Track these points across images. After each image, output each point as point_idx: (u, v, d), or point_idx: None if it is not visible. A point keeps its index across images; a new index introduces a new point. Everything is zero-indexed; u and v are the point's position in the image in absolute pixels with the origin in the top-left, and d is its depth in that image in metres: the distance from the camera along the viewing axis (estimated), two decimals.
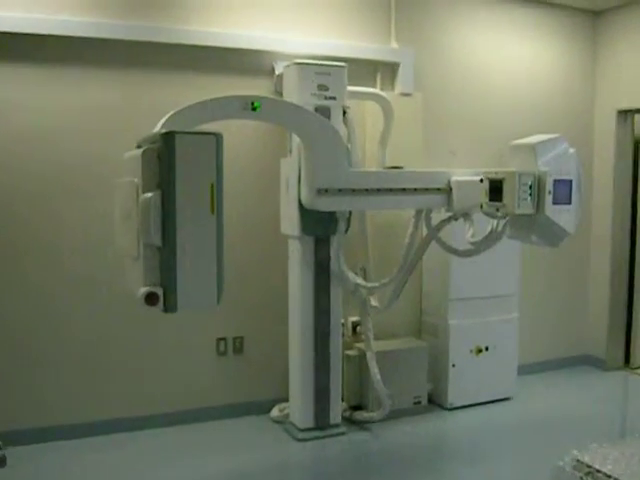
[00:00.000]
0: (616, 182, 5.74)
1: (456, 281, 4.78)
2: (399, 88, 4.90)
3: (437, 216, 4.14)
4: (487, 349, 4.91)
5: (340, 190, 3.78)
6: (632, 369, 5.83)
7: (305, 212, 4.05)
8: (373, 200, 3.89)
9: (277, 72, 4.47)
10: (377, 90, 4.74)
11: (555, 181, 3.43)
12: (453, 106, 5.24)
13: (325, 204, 3.82)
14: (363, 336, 4.53)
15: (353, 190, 3.80)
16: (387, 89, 4.87)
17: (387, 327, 4.91)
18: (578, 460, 2.32)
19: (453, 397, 4.84)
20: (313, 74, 4.09)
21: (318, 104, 4.08)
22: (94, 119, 4.17)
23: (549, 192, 3.41)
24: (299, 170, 4.00)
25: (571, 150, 3.53)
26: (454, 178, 3.96)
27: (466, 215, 3.96)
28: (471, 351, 4.86)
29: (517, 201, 3.40)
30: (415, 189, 3.93)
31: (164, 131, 2.78)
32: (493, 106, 5.41)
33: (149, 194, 2.71)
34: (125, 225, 3.02)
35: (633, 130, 5.74)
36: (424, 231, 4.21)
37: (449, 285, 4.78)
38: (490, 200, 3.58)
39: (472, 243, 3.90)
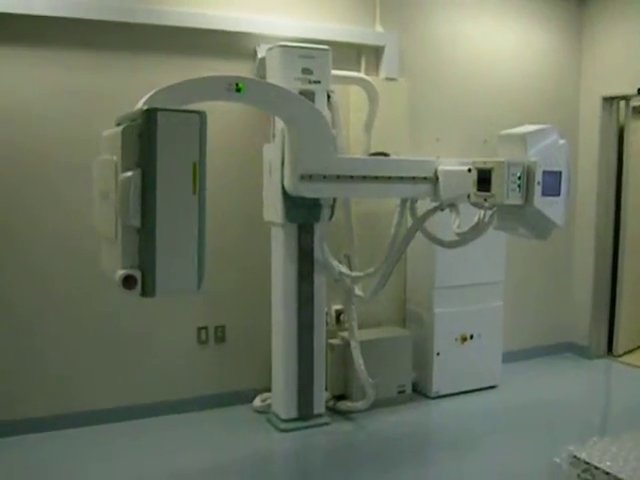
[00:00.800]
0: (601, 169, 5.71)
1: (441, 269, 4.72)
2: (384, 73, 4.82)
3: (423, 205, 4.08)
4: (472, 337, 4.88)
5: (325, 176, 3.70)
6: (615, 357, 5.84)
7: (288, 198, 3.96)
8: (358, 187, 3.82)
9: (259, 55, 4.36)
10: (362, 74, 4.65)
11: (544, 172, 3.36)
12: (438, 91, 5.17)
13: (309, 190, 3.74)
14: (347, 325, 4.47)
15: (338, 177, 3.73)
16: (371, 74, 4.79)
17: (371, 316, 4.85)
18: (575, 456, 2.26)
19: (438, 386, 4.80)
20: (297, 57, 3.98)
21: (302, 88, 3.97)
22: (68, 103, 4.05)
23: (538, 183, 3.34)
24: (282, 156, 3.91)
25: (561, 141, 3.47)
26: (441, 167, 3.89)
27: (452, 205, 3.90)
28: (456, 339, 4.82)
29: (506, 191, 3.33)
30: (401, 177, 3.86)
31: (146, 108, 2.66)
32: (478, 92, 5.35)
33: (129, 173, 2.61)
34: (103, 205, 2.91)
35: (618, 117, 5.71)
36: (409, 221, 4.14)
37: (434, 273, 4.73)
38: (478, 190, 3.52)
39: (458, 234, 3.84)
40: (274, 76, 4.05)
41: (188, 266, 2.73)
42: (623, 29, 5.48)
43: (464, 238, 3.84)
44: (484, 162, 3.49)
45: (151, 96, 3.03)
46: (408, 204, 4.07)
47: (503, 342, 5.08)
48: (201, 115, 2.71)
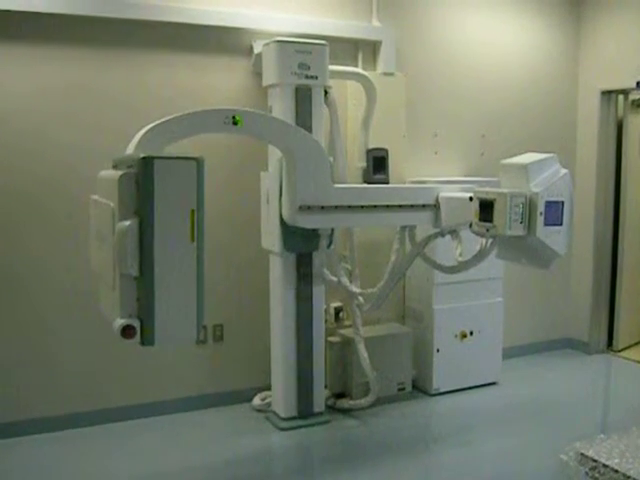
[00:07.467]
0: (599, 163, 5.68)
1: None
2: (381, 68, 4.77)
3: (426, 231, 4.04)
4: (472, 334, 4.85)
5: (323, 207, 3.66)
6: (615, 352, 5.82)
7: (286, 228, 3.94)
8: (357, 217, 3.78)
9: (256, 51, 4.32)
10: (359, 69, 4.61)
11: (547, 202, 3.32)
12: (436, 86, 5.13)
13: (308, 221, 3.69)
14: (346, 322, 4.43)
15: (336, 207, 3.69)
16: (369, 69, 4.74)
17: (370, 313, 4.81)
18: (582, 454, 2.23)
19: (438, 382, 4.77)
20: (293, 52, 3.94)
21: (299, 83, 3.95)
22: (63, 102, 4.01)
23: (540, 214, 3.30)
24: (280, 186, 3.89)
25: (563, 170, 3.43)
26: (442, 194, 3.87)
27: (454, 232, 3.87)
28: (456, 336, 4.80)
29: (508, 222, 3.28)
30: (401, 205, 3.83)
31: (142, 155, 2.63)
32: (476, 87, 5.31)
33: (126, 222, 2.59)
34: (100, 248, 2.90)
35: (617, 111, 5.68)
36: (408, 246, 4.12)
37: (433, 269, 4.68)
38: (480, 220, 3.48)
39: (460, 262, 3.82)
40: (270, 72, 4.02)
41: (187, 315, 2.73)
42: (621, 22, 5.45)
43: (465, 265, 3.82)
44: (486, 192, 3.44)
45: (146, 132, 3.00)
46: (407, 230, 4.04)
47: (503, 338, 5.06)
48: (198, 161, 2.69)
